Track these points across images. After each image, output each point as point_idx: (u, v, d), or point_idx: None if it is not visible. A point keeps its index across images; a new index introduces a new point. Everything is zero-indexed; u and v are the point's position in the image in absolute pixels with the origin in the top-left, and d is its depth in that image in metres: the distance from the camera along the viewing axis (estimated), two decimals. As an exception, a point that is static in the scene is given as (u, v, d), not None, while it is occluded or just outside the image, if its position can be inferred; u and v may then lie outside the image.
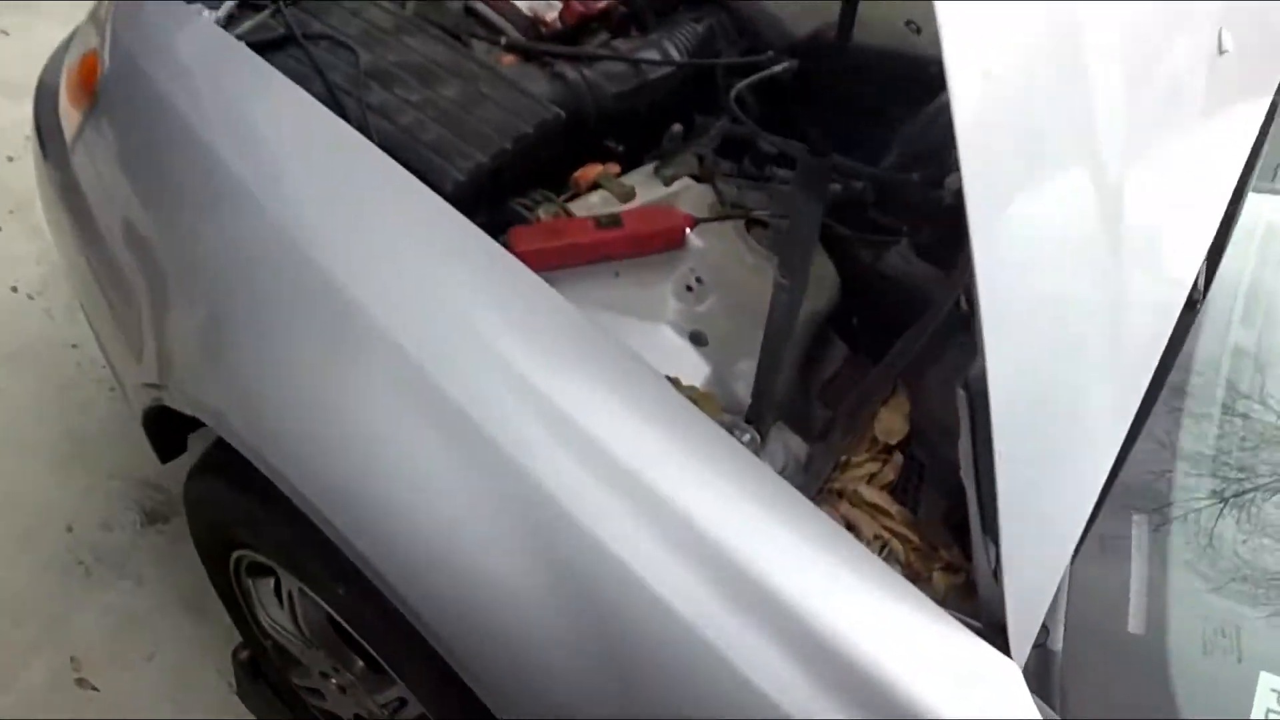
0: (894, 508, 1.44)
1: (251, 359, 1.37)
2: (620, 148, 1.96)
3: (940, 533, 1.44)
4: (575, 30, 2.07)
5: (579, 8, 2.07)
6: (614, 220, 1.62)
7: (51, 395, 2.65)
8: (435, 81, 1.79)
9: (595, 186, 1.81)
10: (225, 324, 1.44)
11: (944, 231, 1.85)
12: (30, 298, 2.84)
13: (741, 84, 1.90)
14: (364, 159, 1.44)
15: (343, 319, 1.28)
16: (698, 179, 1.88)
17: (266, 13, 1.88)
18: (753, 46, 2.09)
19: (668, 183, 1.85)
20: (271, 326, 1.36)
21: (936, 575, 1.37)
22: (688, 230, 1.66)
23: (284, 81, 1.56)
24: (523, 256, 1.42)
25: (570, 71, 1.89)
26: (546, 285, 1.30)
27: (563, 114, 1.79)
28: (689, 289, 1.64)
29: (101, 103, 1.74)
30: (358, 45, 1.83)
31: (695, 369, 1.54)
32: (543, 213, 1.67)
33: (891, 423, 1.55)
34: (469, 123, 1.73)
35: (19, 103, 2.16)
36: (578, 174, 1.82)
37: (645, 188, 1.83)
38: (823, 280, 1.75)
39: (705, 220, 1.69)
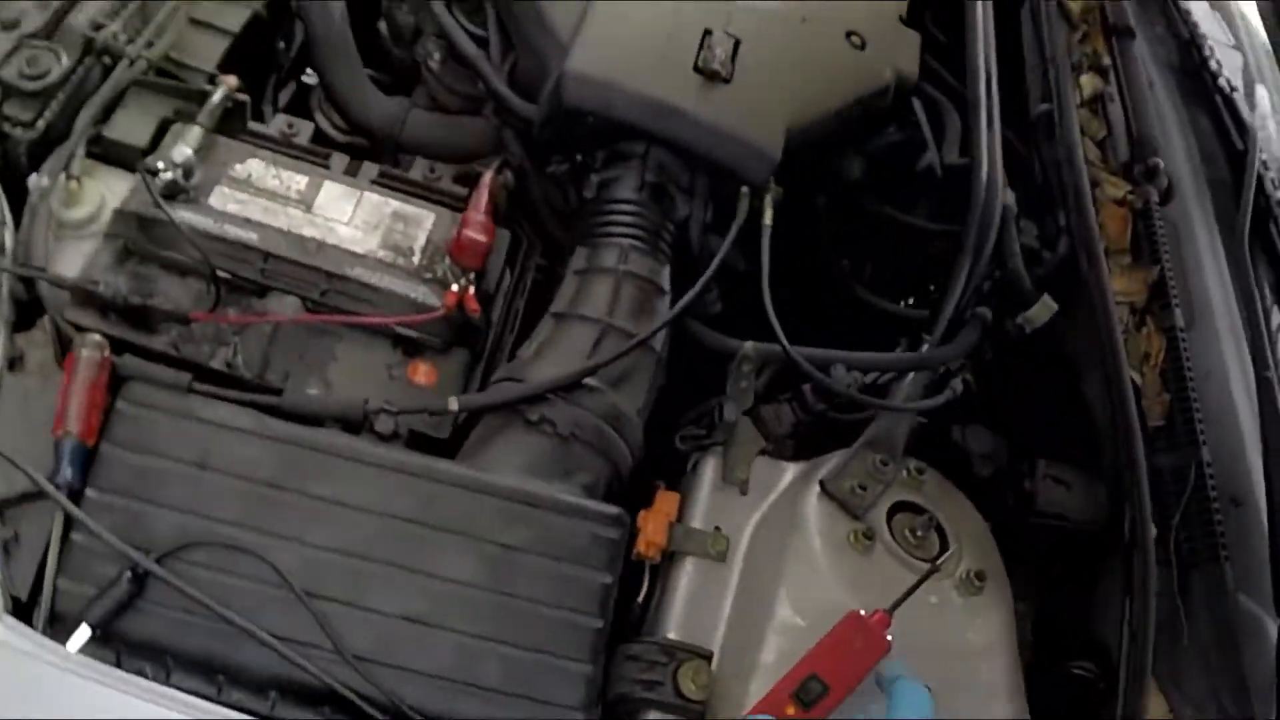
0: None
1: None
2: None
3: None
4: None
5: (476, 239, 1.40)
6: (819, 689, 1.19)
7: None
8: (427, 554, 1.21)
9: (673, 554, 1.33)
10: None
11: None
12: None
13: (766, 288, 1.39)
14: None
15: None
16: (769, 453, 1.44)
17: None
18: (715, 187, 1.52)
19: (745, 488, 1.40)
20: None
21: None
22: (889, 638, 1.27)
23: None
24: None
25: (583, 416, 1.31)
26: None
27: (624, 517, 1.28)
28: (917, 704, 1.28)
29: None
30: (250, 532, 1.19)
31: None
32: (688, 687, 1.22)
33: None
34: (524, 617, 1.20)
35: None
36: (642, 544, 1.31)
37: (729, 512, 1.38)
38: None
39: (898, 604, 1.28)
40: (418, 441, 1.32)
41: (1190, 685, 1.35)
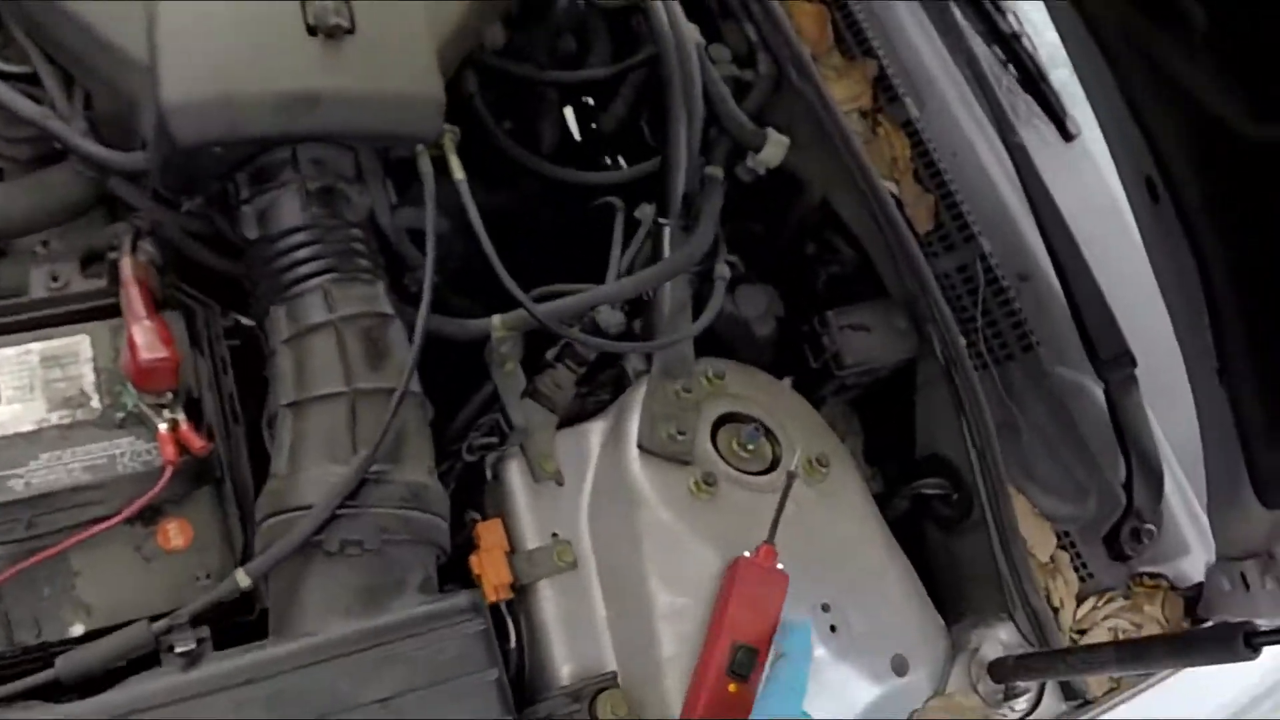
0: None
1: None
2: None
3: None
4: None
5: (156, 359, 1.19)
6: (749, 655, 1.21)
7: None
8: None
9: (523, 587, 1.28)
10: None
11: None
12: None
13: (490, 248, 1.27)
14: None
15: None
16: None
17: None
18: (385, 157, 1.33)
19: (559, 478, 1.33)
20: None
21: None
22: (780, 567, 1.26)
23: None
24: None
25: (383, 518, 1.17)
26: None
27: (478, 600, 1.18)
28: (833, 629, 1.32)
29: None
30: None
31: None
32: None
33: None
34: None
35: None
36: (490, 592, 1.25)
37: (555, 512, 1.34)
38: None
39: (774, 532, 1.26)
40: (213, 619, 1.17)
41: (1041, 473, 1.42)
